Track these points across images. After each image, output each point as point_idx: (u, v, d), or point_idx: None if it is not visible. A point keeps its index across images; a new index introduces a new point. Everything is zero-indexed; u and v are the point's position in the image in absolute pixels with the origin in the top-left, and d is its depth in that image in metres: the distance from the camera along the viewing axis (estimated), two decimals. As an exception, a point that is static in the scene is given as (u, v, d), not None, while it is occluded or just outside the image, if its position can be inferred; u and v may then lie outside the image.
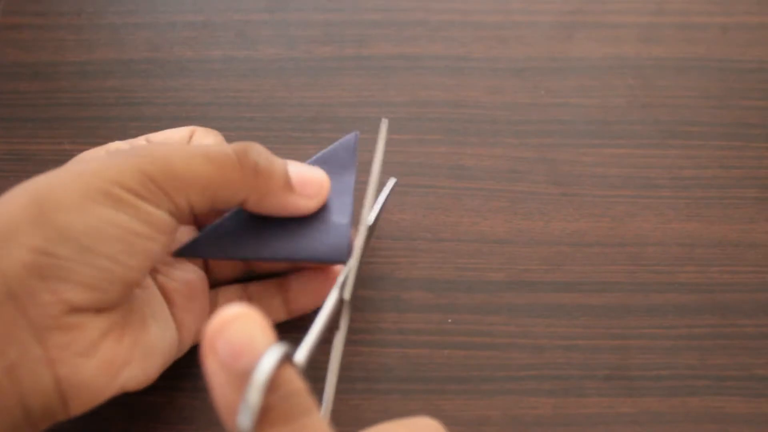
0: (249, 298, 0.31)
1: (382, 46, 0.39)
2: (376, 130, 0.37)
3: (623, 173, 0.36)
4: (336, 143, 0.31)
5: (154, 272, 0.29)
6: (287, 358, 0.20)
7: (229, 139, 0.34)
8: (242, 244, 0.28)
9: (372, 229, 0.30)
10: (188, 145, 0.27)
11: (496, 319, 0.32)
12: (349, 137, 0.31)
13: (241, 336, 0.19)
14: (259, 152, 0.27)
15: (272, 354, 0.19)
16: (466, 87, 0.38)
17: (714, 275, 0.33)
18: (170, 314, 0.29)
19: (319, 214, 0.29)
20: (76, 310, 0.24)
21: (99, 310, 0.25)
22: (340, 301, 0.27)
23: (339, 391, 0.31)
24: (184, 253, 0.29)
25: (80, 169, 0.25)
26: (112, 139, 0.36)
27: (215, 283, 0.31)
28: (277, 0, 0.41)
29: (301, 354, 0.23)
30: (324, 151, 0.31)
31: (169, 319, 0.29)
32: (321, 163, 0.31)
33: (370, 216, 0.29)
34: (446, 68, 0.39)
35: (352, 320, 0.32)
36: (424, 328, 0.32)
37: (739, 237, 0.34)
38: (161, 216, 0.25)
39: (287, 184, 0.28)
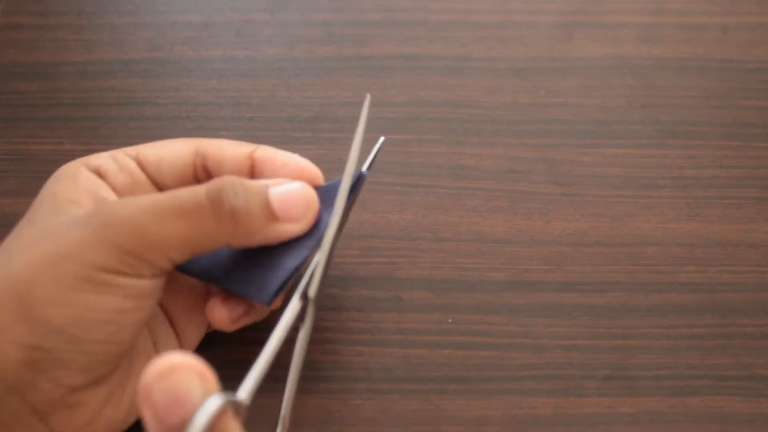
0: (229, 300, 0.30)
1: (382, 46, 0.39)
2: (376, 130, 0.37)
3: (623, 173, 0.36)
4: (335, 181, 0.29)
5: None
6: (229, 405, 0.19)
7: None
8: (203, 265, 0.27)
9: (344, 219, 0.28)
10: (156, 200, 0.25)
11: (496, 319, 0.32)
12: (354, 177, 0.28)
13: (176, 387, 0.18)
14: (234, 191, 0.25)
15: (209, 406, 0.18)
16: (466, 87, 0.38)
17: (714, 275, 0.33)
18: (173, 330, 0.29)
19: (274, 249, 0.27)
20: (77, 389, 0.24)
21: (98, 382, 0.25)
22: (304, 301, 0.26)
23: (339, 391, 0.31)
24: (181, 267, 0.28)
25: (56, 252, 0.24)
26: (112, 139, 0.36)
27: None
28: (277, 0, 0.41)
29: (245, 392, 0.22)
30: (326, 184, 0.29)
31: (171, 338, 0.29)
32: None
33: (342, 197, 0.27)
34: (446, 68, 0.39)
35: (353, 320, 0.32)
36: (424, 328, 0.32)
37: (739, 237, 0.34)
38: (145, 284, 0.25)
39: (269, 216, 0.26)
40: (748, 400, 0.31)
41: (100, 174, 0.28)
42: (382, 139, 0.30)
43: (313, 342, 0.31)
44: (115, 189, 0.28)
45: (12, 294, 0.23)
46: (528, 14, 0.40)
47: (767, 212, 0.35)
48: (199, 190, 0.25)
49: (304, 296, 0.26)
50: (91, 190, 0.27)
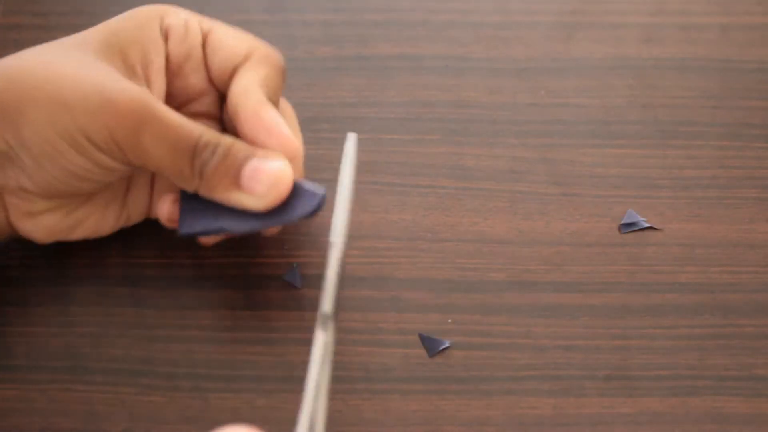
0: None
1: (382, 46, 0.39)
2: (376, 130, 0.37)
3: (623, 173, 0.36)
4: (312, 186, 0.29)
5: None
6: None
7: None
8: (219, 218, 0.29)
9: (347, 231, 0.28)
10: (167, 117, 0.27)
11: (496, 319, 0.32)
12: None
13: None
14: (213, 149, 0.28)
15: None
16: (466, 87, 0.38)
17: (714, 275, 0.33)
18: (149, 186, 0.32)
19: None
20: (24, 191, 0.28)
21: (46, 197, 0.28)
22: (324, 319, 0.26)
23: (339, 391, 0.31)
24: (183, 229, 0.30)
25: (55, 92, 0.26)
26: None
27: None
28: (277, 0, 0.41)
29: None
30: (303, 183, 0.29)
31: (144, 192, 0.32)
32: None
33: (339, 228, 0.27)
34: (446, 68, 0.39)
35: (353, 320, 0.32)
36: (424, 328, 0.32)
37: (739, 237, 0.34)
38: (116, 165, 0.28)
39: (234, 183, 0.28)
40: (748, 400, 0.31)
41: (166, 34, 0.30)
42: (354, 135, 0.29)
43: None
44: (170, 53, 0.30)
45: (11, 97, 0.27)
46: (528, 14, 0.40)
47: (767, 212, 0.35)
48: (196, 131, 0.27)
49: (324, 317, 0.26)
50: (147, 51, 0.29)
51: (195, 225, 0.30)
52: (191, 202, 0.30)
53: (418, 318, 0.32)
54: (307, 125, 0.37)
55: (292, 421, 0.30)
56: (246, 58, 0.30)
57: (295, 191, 0.28)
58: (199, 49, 0.30)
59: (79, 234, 0.31)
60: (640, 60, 0.39)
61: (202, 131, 0.28)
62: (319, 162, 0.36)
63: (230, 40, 0.31)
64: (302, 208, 0.28)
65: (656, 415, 0.30)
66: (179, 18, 0.30)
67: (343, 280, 0.28)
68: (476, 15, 0.40)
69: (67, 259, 0.33)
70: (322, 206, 0.29)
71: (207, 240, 0.32)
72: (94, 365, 0.31)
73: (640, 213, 0.35)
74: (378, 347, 0.32)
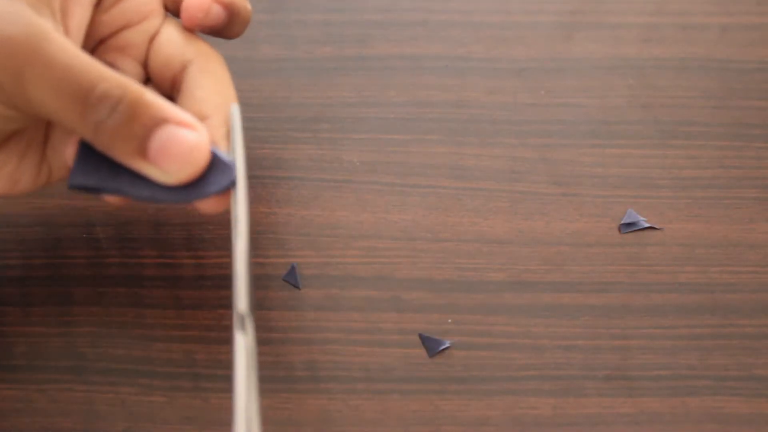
0: None
1: (382, 46, 0.39)
2: (376, 130, 0.37)
3: (623, 173, 0.36)
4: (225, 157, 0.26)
5: None
6: None
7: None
8: (119, 177, 0.25)
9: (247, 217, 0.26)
10: (59, 52, 0.23)
11: (496, 319, 0.32)
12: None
13: None
14: (114, 109, 0.23)
15: None
16: (466, 87, 0.38)
17: (714, 275, 0.33)
18: (45, 143, 0.28)
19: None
20: None
21: None
22: (241, 319, 0.24)
23: (339, 391, 0.31)
24: (73, 180, 0.26)
25: None
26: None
27: None
28: (277, 0, 0.41)
29: None
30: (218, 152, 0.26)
31: (66, 143, 0.27)
32: None
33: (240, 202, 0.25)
34: (446, 68, 0.39)
35: (353, 320, 0.32)
36: (424, 328, 0.32)
37: (739, 237, 0.34)
38: (7, 113, 0.24)
39: (139, 150, 0.24)
40: (748, 400, 0.31)
41: None
42: (235, 107, 0.28)
43: (313, 342, 0.31)
44: None
45: None
46: (528, 14, 0.40)
47: (767, 212, 0.35)
48: (92, 79, 0.23)
49: (240, 317, 0.24)
50: None
51: (88, 178, 0.25)
52: (90, 150, 0.25)
53: (418, 318, 0.32)
54: (307, 125, 0.37)
55: (293, 421, 0.30)
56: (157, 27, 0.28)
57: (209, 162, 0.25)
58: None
59: None
60: (640, 60, 0.39)
61: (103, 76, 0.23)
62: (319, 162, 0.36)
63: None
64: (217, 183, 0.25)
65: (656, 415, 0.30)
66: None
67: (251, 270, 0.25)
68: (476, 15, 0.40)
69: (67, 259, 0.33)
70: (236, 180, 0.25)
71: (111, 200, 0.27)
72: (94, 365, 0.31)
73: (640, 213, 0.35)
74: (378, 347, 0.32)
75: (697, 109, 0.38)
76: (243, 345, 0.23)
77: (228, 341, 0.32)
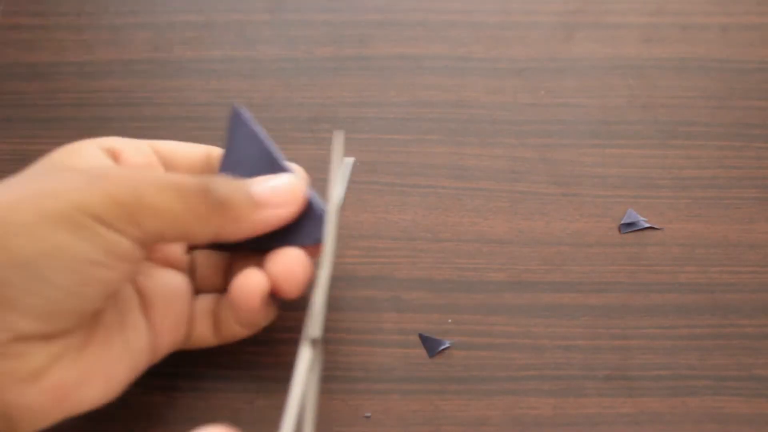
0: (218, 310, 0.29)
1: (382, 46, 0.39)
2: (376, 130, 0.37)
3: (623, 173, 0.36)
4: (228, 136, 0.30)
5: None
6: None
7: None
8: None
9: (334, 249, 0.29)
10: (161, 174, 0.25)
11: (496, 319, 0.32)
12: (232, 119, 0.30)
13: None
14: (221, 182, 0.26)
15: None
16: (466, 87, 0.38)
17: (714, 275, 0.33)
18: (144, 320, 0.28)
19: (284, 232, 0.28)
20: (22, 338, 0.23)
21: (48, 337, 0.24)
22: (312, 345, 0.25)
23: (339, 391, 0.31)
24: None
25: (41, 188, 0.23)
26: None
27: (197, 291, 0.30)
28: (277, 0, 0.41)
29: None
30: (227, 150, 0.30)
31: (143, 328, 0.28)
32: (236, 165, 0.29)
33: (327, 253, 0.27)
34: (446, 68, 0.39)
35: (353, 320, 0.32)
36: (424, 328, 0.32)
37: (739, 237, 0.34)
38: (125, 244, 0.24)
39: (254, 204, 0.27)
40: (748, 401, 0.31)
41: (113, 154, 0.28)
42: (352, 160, 0.30)
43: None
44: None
45: None
46: (528, 14, 0.40)
47: (767, 212, 0.35)
48: (193, 178, 0.26)
49: (311, 340, 0.26)
50: (90, 163, 0.27)
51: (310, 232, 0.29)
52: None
53: (418, 318, 0.32)
54: (307, 125, 0.37)
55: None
56: (207, 156, 0.30)
57: (307, 211, 0.28)
58: (155, 158, 0.29)
59: (91, 394, 0.25)
60: (640, 60, 0.39)
61: (193, 176, 0.26)
62: (320, 162, 0.36)
63: (181, 146, 0.30)
64: (314, 232, 0.28)
65: (656, 415, 0.30)
66: (116, 138, 0.29)
67: (329, 302, 0.28)
68: (476, 15, 0.40)
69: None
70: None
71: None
72: (94, 365, 0.31)
73: (640, 213, 0.35)
74: (378, 347, 0.32)
75: (697, 109, 0.38)
76: (306, 361, 0.25)
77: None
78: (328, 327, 0.32)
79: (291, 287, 0.27)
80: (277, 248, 0.28)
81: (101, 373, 0.25)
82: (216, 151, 0.30)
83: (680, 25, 0.40)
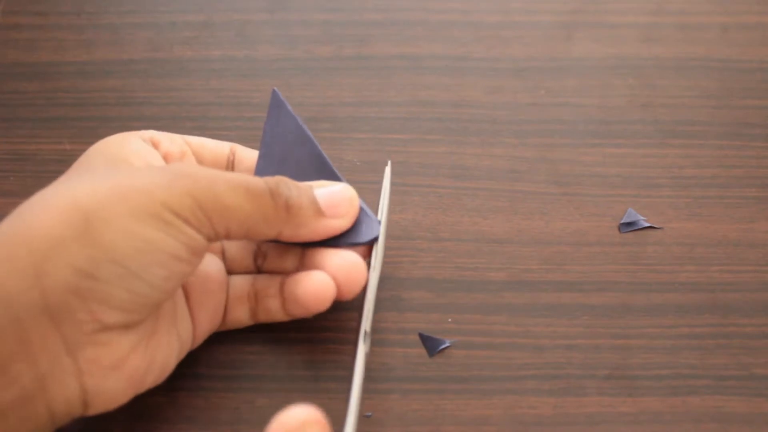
0: (254, 293, 0.30)
1: (382, 46, 0.39)
2: (376, 130, 0.37)
3: (623, 173, 0.36)
4: (266, 128, 0.31)
5: None
6: None
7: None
8: None
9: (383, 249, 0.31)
10: (230, 173, 0.26)
11: (496, 319, 0.32)
12: (273, 102, 0.31)
13: None
14: (288, 186, 0.27)
15: None
16: (466, 87, 0.38)
17: (714, 275, 0.33)
18: (187, 309, 0.29)
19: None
20: (108, 329, 0.24)
21: (128, 327, 0.25)
22: (365, 335, 0.29)
23: (339, 391, 0.31)
24: None
25: (127, 185, 0.24)
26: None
27: (228, 272, 0.31)
28: (277, 0, 0.41)
29: None
30: (264, 143, 0.31)
31: (187, 317, 0.29)
32: (281, 161, 0.30)
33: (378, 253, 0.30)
34: (446, 68, 0.39)
35: (353, 320, 0.32)
36: (424, 328, 0.32)
37: (739, 236, 0.34)
38: (201, 241, 0.25)
39: (318, 212, 0.28)
40: (748, 400, 0.31)
41: (153, 143, 0.30)
42: (389, 163, 0.33)
43: (313, 342, 0.31)
44: (165, 157, 0.29)
45: (79, 215, 0.23)
46: (528, 14, 0.40)
47: (767, 211, 0.35)
48: (260, 179, 0.27)
49: (365, 334, 0.29)
50: (142, 154, 0.28)
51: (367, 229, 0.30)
52: None
53: (418, 318, 0.32)
54: (307, 125, 0.37)
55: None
56: (231, 152, 0.32)
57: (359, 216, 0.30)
58: (187, 147, 0.31)
59: (151, 379, 0.27)
60: (640, 60, 0.39)
61: (258, 177, 0.27)
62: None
63: (208, 141, 0.32)
64: (366, 234, 0.29)
65: (656, 415, 0.30)
66: (148, 131, 0.30)
67: (378, 300, 0.30)
68: (476, 15, 0.40)
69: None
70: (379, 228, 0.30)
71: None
72: (94, 365, 0.31)
73: (640, 212, 0.35)
74: (378, 347, 0.32)
75: (697, 108, 0.38)
76: (363, 355, 0.28)
77: (228, 341, 0.32)
78: (329, 327, 0.32)
79: (350, 290, 0.29)
80: (330, 246, 0.29)
81: (161, 359, 0.27)
82: (239, 149, 0.32)
83: (680, 25, 0.40)
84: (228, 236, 0.26)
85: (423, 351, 0.32)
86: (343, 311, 0.32)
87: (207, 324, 0.30)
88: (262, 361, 0.31)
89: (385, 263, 0.33)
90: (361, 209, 0.30)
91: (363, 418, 0.30)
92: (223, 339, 0.31)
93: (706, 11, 0.40)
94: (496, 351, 0.32)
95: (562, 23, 0.40)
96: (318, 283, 0.28)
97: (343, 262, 0.29)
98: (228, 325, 0.31)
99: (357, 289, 0.29)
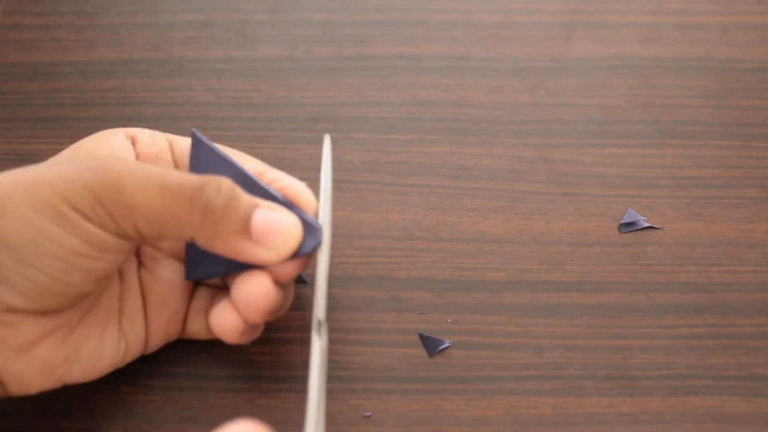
0: (214, 305, 0.29)
1: (382, 46, 0.39)
2: (376, 130, 0.37)
3: (623, 173, 0.36)
4: (190, 168, 0.29)
5: (139, 265, 0.29)
6: None
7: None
8: (220, 260, 0.27)
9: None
10: (147, 167, 0.25)
11: (496, 319, 0.32)
12: (194, 142, 0.29)
13: None
14: (217, 190, 0.25)
15: None
16: (466, 87, 0.38)
17: (714, 275, 0.33)
18: (142, 310, 0.29)
19: None
20: (14, 311, 0.24)
21: (41, 313, 0.25)
22: (318, 324, 0.27)
23: (339, 391, 0.31)
24: (189, 276, 0.29)
25: (36, 176, 0.24)
26: (112, 139, 0.36)
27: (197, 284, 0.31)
28: (277, 0, 0.41)
29: None
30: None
31: (139, 319, 0.28)
32: None
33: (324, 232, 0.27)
34: (446, 68, 0.39)
35: (353, 320, 0.32)
36: (424, 328, 0.32)
37: (739, 237, 0.34)
38: (107, 238, 0.25)
39: (243, 231, 0.26)
40: (748, 400, 0.31)
41: (133, 140, 0.29)
42: (328, 137, 0.29)
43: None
44: (139, 155, 0.29)
45: None
46: (528, 14, 0.40)
47: (767, 212, 0.35)
48: (189, 177, 0.25)
49: (318, 322, 0.27)
50: (115, 150, 0.28)
51: (198, 271, 0.28)
52: (194, 250, 0.28)
53: (418, 318, 0.32)
54: (307, 125, 0.37)
55: (293, 421, 0.30)
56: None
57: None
58: (168, 151, 0.30)
59: (76, 372, 0.27)
60: (640, 60, 0.39)
61: (194, 175, 0.26)
62: (319, 162, 0.36)
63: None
64: (306, 246, 0.27)
65: (656, 415, 0.30)
66: (143, 130, 0.30)
67: (331, 282, 0.28)
68: (476, 15, 0.40)
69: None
70: (321, 242, 0.27)
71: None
72: (94, 365, 0.31)
73: (640, 212, 0.35)
74: (378, 347, 0.32)
75: (697, 108, 0.38)
76: (319, 346, 0.26)
77: (223, 345, 0.32)
78: (329, 327, 0.32)
79: (252, 316, 0.27)
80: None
81: (88, 355, 0.27)
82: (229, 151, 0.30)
83: (680, 25, 0.40)
84: (142, 235, 0.25)
85: (423, 351, 0.32)
86: (343, 311, 0.32)
87: (162, 331, 0.29)
88: (262, 361, 0.31)
89: (385, 263, 0.33)
90: (302, 218, 0.27)
91: (363, 418, 0.30)
92: (219, 342, 0.31)
93: (706, 11, 0.40)
94: (496, 351, 0.32)
95: (562, 23, 0.40)
96: (253, 288, 0.27)
97: (246, 286, 0.27)
98: (188, 335, 0.30)
99: (259, 314, 0.27)
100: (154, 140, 0.30)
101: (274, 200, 0.27)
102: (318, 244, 0.27)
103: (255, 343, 0.31)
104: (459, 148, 0.36)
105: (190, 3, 0.41)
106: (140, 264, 0.29)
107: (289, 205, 0.27)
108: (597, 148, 0.36)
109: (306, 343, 0.31)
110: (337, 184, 0.35)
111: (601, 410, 0.30)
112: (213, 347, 0.31)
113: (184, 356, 0.31)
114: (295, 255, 0.27)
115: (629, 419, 0.30)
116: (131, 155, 0.29)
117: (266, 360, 0.31)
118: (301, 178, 0.36)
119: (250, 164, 0.29)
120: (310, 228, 0.27)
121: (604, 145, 0.36)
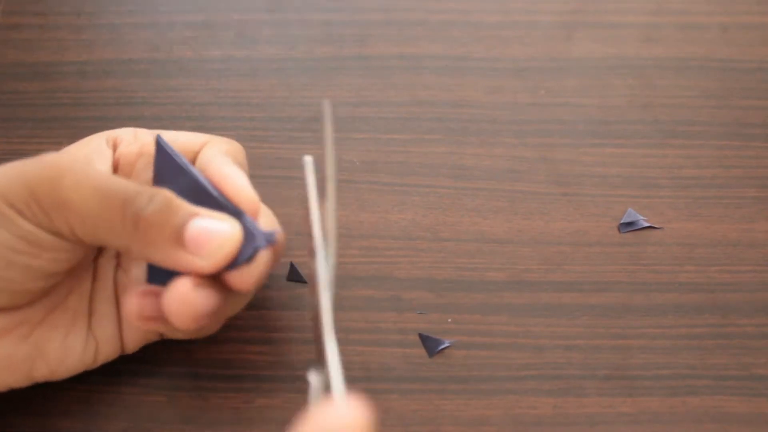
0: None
1: (382, 46, 0.39)
2: (376, 130, 0.37)
3: (623, 173, 0.36)
4: (154, 173, 0.28)
5: (117, 266, 0.29)
6: None
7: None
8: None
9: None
10: (91, 169, 0.25)
11: (496, 319, 0.32)
12: (157, 148, 0.28)
13: None
14: (150, 199, 0.25)
15: None
16: (466, 87, 0.38)
17: (714, 275, 0.33)
18: (115, 311, 0.28)
19: None
20: None
21: None
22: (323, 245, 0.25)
23: (339, 391, 0.31)
24: (150, 279, 0.28)
25: None
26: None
27: None
28: (277, 0, 0.41)
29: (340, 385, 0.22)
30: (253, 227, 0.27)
31: (111, 320, 0.28)
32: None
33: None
34: (446, 68, 0.39)
35: (353, 320, 0.32)
36: (424, 328, 0.32)
37: (739, 236, 0.34)
38: (41, 235, 0.25)
39: (176, 240, 0.25)
40: (748, 400, 0.31)
41: (115, 143, 0.29)
42: (309, 158, 0.27)
43: (313, 342, 0.31)
44: (120, 156, 0.29)
45: None
46: (528, 14, 0.40)
47: (767, 212, 0.35)
48: (127, 185, 0.25)
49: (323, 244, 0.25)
50: (89, 155, 0.28)
51: (158, 277, 0.27)
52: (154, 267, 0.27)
53: (418, 318, 0.32)
54: (307, 125, 0.37)
55: (293, 421, 0.30)
56: (203, 145, 0.30)
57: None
58: (151, 146, 0.29)
59: (43, 370, 0.27)
60: (640, 60, 0.39)
61: (137, 184, 0.25)
62: (320, 162, 0.36)
63: (182, 135, 0.30)
64: (245, 251, 0.26)
65: (656, 415, 0.30)
66: (127, 130, 0.30)
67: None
68: (476, 15, 0.40)
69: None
70: (260, 248, 0.26)
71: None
72: (94, 365, 0.31)
73: (639, 212, 0.35)
74: (378, 347, 0.32)
75: (697, 108, 0.38)
76: (326, 271, 0.24)
77: (228, 341, 0.32)
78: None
79: (175, 321, 0.26)
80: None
81: (54, 354, 0.27)
82: (216, 140, 0.30)
83: (680, 25, 0.40)
84: (78, 236, 0.25)
85: (423, 351, 0.32)
86: (343, 311, 0.32)
87: (138, 332, 0.29)
88: (262, 361, 0.31)
89: (385, 263, 0.33)
90: (246, 226, 0.26)
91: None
92: (223, 339, 0.31)
93: (706, 11, 0.40)
94: (496, 351, 0.32)
95: (562, 23, 0.40)
96: (179, 298, 0.26)
97: (172, 295, 0.26)
98: (169, 336, 0.30)
99: (185, 322, 0.26)
100: (135, 137, 0.30)
101: (225, 211, 0.26)
102: (256, 251, 0.26)
103: (255, 343, 0.32)
104: (459, 148, 0.36)
105: (190, 3, 0.41)
106: (118, 265, 0.29)
107: (238, 213, 0.26)
108: (597, 148, 0.36)
109: (307, 343, 0.31)
110: (337, 183, 0.35)
111: (601, 410, 0.30)
112: (213, 347, 0.31)
113: (184, 356, 0.31)
114: (236, 262, 0.26)
115: (629, 419, 0.30)
116: (107, 159, 0.29)
117: (266, 360, 0.31)
118: (300, 179, 0.36)
119: (184, 137, 0.29)
120: (250, 236, 0.26)
121: (604, 145, 0.37)
